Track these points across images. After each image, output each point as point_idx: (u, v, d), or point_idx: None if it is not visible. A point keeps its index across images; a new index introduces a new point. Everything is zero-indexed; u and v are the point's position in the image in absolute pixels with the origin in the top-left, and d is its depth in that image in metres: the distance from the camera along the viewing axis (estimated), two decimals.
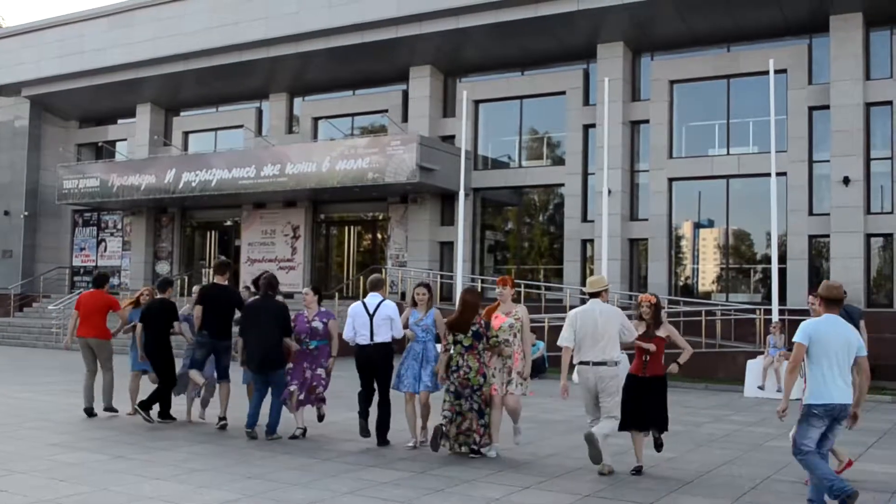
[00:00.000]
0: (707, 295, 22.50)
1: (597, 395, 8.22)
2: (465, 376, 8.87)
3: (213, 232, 31.66)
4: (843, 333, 6.74)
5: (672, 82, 23.10)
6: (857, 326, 15.73)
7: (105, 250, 32.78)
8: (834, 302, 6.90)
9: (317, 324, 10.15)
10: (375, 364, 9.53)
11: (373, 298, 9.66)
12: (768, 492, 7.60)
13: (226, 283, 10.99)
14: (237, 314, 10.64)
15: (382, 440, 9.55)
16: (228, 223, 30.84)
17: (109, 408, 11.61)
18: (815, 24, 21.23)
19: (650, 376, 8.27)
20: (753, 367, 16.43)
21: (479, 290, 23.37)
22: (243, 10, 26.52)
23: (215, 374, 10.91)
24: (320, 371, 10.19)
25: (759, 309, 19.07)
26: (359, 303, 9.72)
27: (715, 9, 21.21)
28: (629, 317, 8.69)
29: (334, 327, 10.27)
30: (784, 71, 21.09)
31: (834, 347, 6.67)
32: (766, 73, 17.98)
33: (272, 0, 25.97)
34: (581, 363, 8.27)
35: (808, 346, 6.71)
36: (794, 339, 6.84)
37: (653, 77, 23.29)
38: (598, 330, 8.18)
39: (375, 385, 9.63)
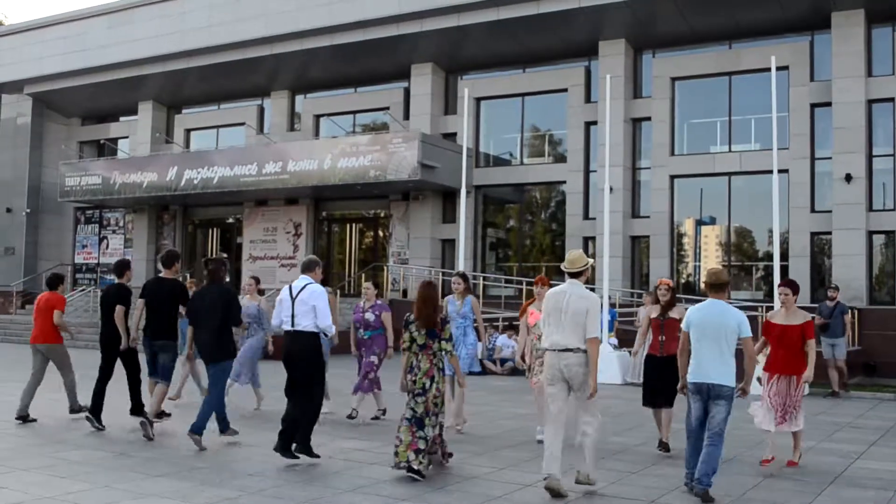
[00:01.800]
0: (728, 291, 22.43)
1: (568, 390, 7.30)
2: (414, 378, 7.98)
3: (214, 229, 31.68)
4: (719, 318, 7.18)
5: (674, 79, 23.09)
6: (842, 320, 15.95)
7: (107, 248, 32.80)
8: (714, 287, 7.35)
9: (369, 315, 10.84)
10: (293, 355, 8.45)
11: (300, 281, 8.67)
12: (771, 489, 7.60)
13: (172, 276, 10.06)
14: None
15: (305, 447, 8.36)
16: (230, 220, 30.86)
17: (74, 408, 10.99)
18: (816, 21, 21.20)
19: (667, 355, 8.80)
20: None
21: (482, 287, 23.42)
22: (244, 7, 26.51)
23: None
24: (373, 358, 10.88)
25: (762, 306, 19.06)
26: (286, 286, 8.82)
27: (716, 6, 21.19)
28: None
29: (387, 319, 10.94)
30: (786, 68, 21.07)
31: (710, 331, 7.14)
32: (768, 69, 17.94)
33: None
34: (547, 350, 7.42)
35: (688, 331, 7.33)
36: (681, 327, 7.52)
37: (654, 74, 23.27)
38: (566, 313, 7.25)
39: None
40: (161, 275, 10.09)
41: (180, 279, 10.84)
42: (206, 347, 9.23)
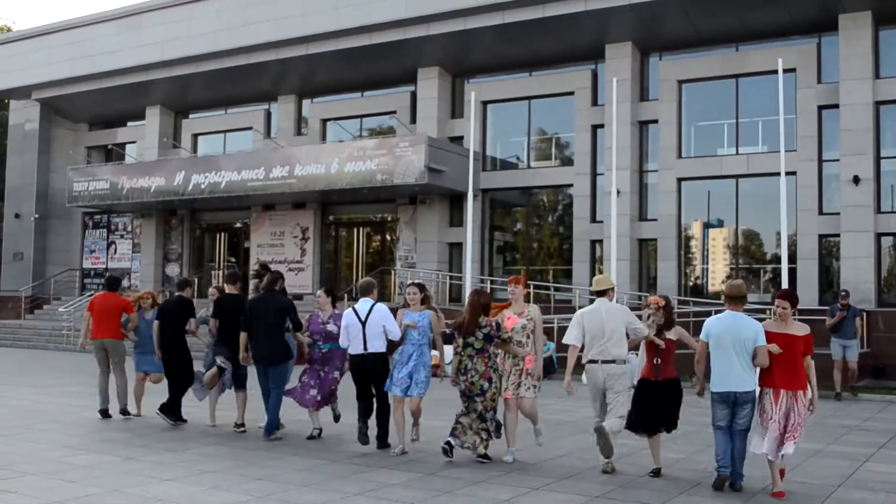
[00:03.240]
0: (717, 295, 22.37)
1: (604, 394, 8.29)
2: (471, 380, 8.69)
3: (222, 234, 31.73)
4: (738, 329, 7.54)
5: (680, 82, 23.05)
6: (854, 324, 15.87)
7: (115, 252, 32.88)
8: (733, 299, 7.74)
9: (331, 327, 9.97)
10: (372, 373, 9.30)
11: (364, 304, 9.26)
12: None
13: (237, 292, 10.97)
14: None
15: (382, 443, 9.38)
16: (238, 225, 30.92)
17: (124, 410, 11.64)
18: (823, 23, 21.14)
19: (663, 380, 8.12)
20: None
21: (490, 291, 23.40)
22: (251, 12, 26.58)
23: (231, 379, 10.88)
24: (336, 374, 10.18)
25: (769, 309, 19.00)
26: (350, 310, 9.33)
27: (722, 8, 21.15)
28: (639, 317, 8.72)
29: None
30: (793, 70, 21.02)
31: (730, 341, 7.51)
32: (775, 72, 17.92)
33: (280, 2, 26.02)
34: (590, 362, 8.34)
35: (707, 340, 7.69)
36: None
37: (661, 77, 23.24)
38: (605, 329, 8.26)
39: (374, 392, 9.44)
40: (227, 290, 11.01)
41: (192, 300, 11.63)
42: (268, 352, 9.89)
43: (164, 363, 11.27)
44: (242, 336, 10.10)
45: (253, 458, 8.86)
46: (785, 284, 17.41)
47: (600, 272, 23.07)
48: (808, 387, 7.58)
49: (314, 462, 8.64)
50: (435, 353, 9.44)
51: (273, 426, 9.91)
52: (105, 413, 11.50)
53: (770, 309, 18.81)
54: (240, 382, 10.69)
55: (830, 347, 15.68)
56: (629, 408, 8.25)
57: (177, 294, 11.52)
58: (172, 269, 31.09)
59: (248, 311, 10.09)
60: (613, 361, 8.25)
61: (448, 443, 8.63)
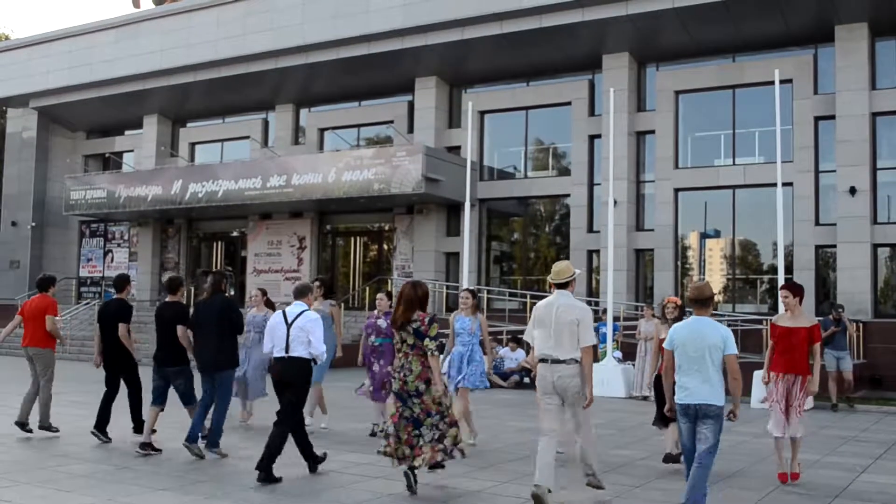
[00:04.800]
0: (713, 305, 22.42)
1: (561, 402, 7.35)
2: (404, 379, 7.68)
3: (219, 243, 31.72)
4: (703, 335, 6.67)
5: (677, 93, 23.12)
6: (845, 336, 15.94)
7: (112, 261, 32.84)
8: (697, 302, 6.85)
9: (381, 322, 10.69)
10: (286, 381, 8.46)
11: (295, 307, 8.71)
12: (776, 503, 7.56)
13: (177, 300, 9.96)
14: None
15: (261, 465, 8.05)
16: (234, 234, 30.91)
17: (46, 426, 10.61)
18: (820, 35, 21.23)
19: None
20: (757, 385, 16.32)
21: (485, 300, 23.38)
22: (249, 21, 26.63)
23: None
24: (389, 368, 10.09)
25: (766, 320, 18.98)
26: (279, 311, 8.85)
27: (719, 19, 21.22)
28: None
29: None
30: (789, 81, 21.09)
31: (693, 349, 6.65)
32: (772, 83, 17.97)
33: (278, 12, 26.09)
34: (539, 360, 7.40)
35: (672, 349, 6.79)
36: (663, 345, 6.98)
37: (658, 87, 23.31)
38: (557, 324, 7.29)
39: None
40: (167, 299, 10.01)
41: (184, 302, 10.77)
42: (210, 356, 9.33)
43: (108, 371, 10.59)
44: (186, 332, 9.54)
45: (248, 467, 8.81)
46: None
47: (597, 283, 23.08)
48: (811, 371, 8.14)
49: (310, 472, 8.60)
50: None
51: (214, 437, 9.26)
52: (23, 426, 10.53)
53: (766, 320, 18.87)
54: (185, 399, 9.83)
55: (824, 359, 15.68)
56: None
57: (116, 296, 10.64)
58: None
59: (192, 318, 9.55)
60: (563, 361, 7.24)
61: (409, 471, 7.61)
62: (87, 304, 29.62)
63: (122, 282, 10.73)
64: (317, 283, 11.04)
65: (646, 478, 8.56)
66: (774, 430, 8.47)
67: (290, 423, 8.37)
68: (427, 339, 7.57)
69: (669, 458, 8.94)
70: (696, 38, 22.21)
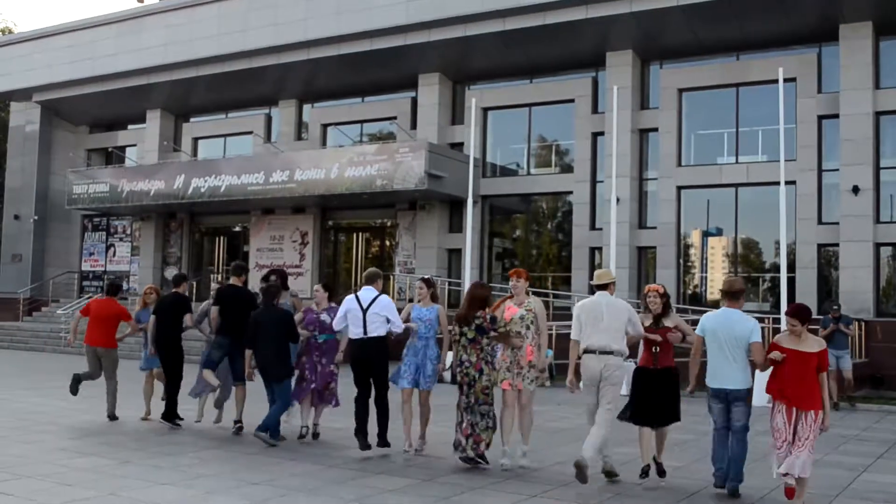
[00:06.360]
0: (716, 304, 22.37)
1: (598, 388, 8.10)
2: (465, 371, 8.67)
3: (221, 237, 31.73)
4: (733, 325, 7.59)
5: (681, 90, 23.08)
6: (845, 334, 15.93)
7: (114, 255, 32.86)
8: (728, 295, 7.82)
9: (325, 317, 10.11)
10: (370, 358, 9.20)
11: (367, 293, 9.33)
12: (776, 502, 7.56)
13: (241, 285, 10.93)
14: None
15: (383, 441, 9.30)
16: (237, 229, 30.92)
17: (112, 415, 11.50)
18: (824, 33, 21.18)
19: (661, 368, 8.17)
20: (762, 377, 16.31)
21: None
22: (252, 17, 26.62)
23: (230, 376, 10.80)
24: (332, 367, 10.18)
25: (768, 318, 18.98)
26: (352, 296, 9.37)
27: (723, 17, 21.19)
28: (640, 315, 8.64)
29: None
30: (793, 80, 21.03)
31: (723, 338, 7.57)
32: (775, 81, 17.94)
33: (281, 7, 26.07)
34: (586, 352, 8.15)
35: (703, 336, 7.75)
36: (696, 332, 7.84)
37: (662, 85, 23.28)
38: (604, 320, 8.15)
39: (372, 383, 9.30)
40: (232, 282, 10.96)
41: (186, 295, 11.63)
42: (268, 365, 9.86)
43: (161, 360, 11.25)
44: (247, 352, 10.07)
45: (250, 462, 8.84)
46: (784, 294, 17.34)
47: None
48: (822, 405, 7.30)
49: (312, 467, 8.61)
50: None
51: (267, 426, 9.67)
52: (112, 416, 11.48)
53: (769, 318, 18.88)
54: (237, 376, 10.53)
55: None
56: (619, 402, 8.20)
57: (172, 290, 11.46)
58: (171, 273, 31.05)
59: (251, 325, 9.97)
60: (611, 352, 8.06)
61: (481, 456, 8.64)
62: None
63: (179, 279, 11.65)
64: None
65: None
66: (786, 469, 7.22)
67: (386, 397, 9.30)
68: (486, 337, 8.71)
69: (657, 465, 8.26)
70: (699, 36, 22.17)
